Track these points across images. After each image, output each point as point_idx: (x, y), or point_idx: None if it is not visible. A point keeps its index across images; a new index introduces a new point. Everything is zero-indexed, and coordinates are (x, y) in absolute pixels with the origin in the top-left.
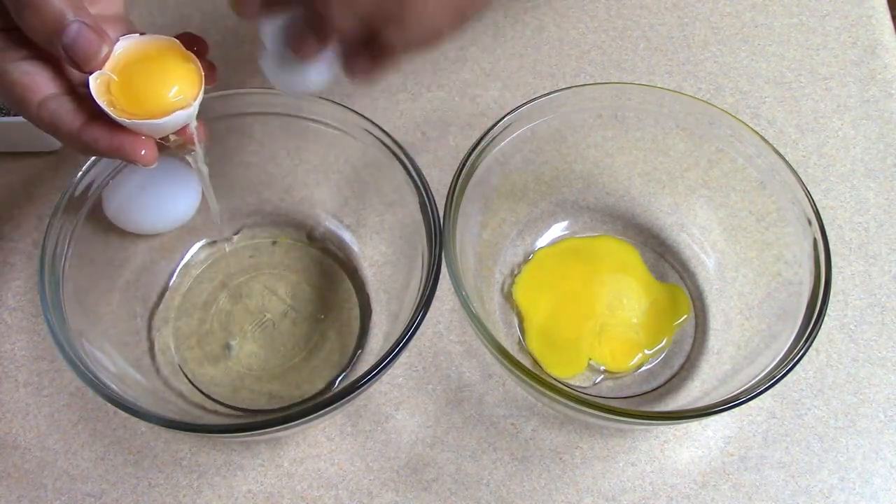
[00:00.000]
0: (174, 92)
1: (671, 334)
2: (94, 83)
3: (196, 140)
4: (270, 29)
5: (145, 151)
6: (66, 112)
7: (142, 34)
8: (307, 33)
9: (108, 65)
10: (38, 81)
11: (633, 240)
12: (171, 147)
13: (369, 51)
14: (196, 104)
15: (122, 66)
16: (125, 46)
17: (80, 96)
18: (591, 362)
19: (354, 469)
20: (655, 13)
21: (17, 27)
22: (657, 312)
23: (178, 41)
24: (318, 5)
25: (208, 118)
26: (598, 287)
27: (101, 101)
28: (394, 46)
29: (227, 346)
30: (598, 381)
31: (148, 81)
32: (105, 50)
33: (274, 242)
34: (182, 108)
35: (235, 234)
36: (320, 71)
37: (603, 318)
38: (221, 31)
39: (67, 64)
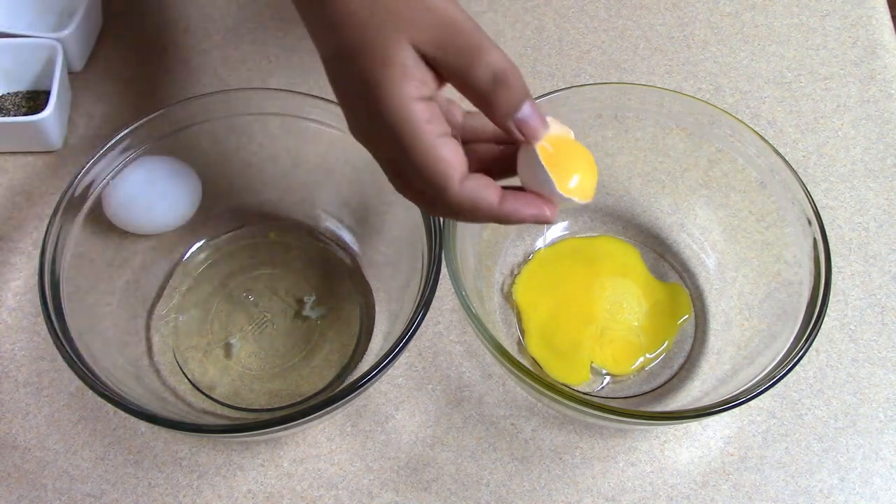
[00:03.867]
0: (583, 174)
1: (673, 335)
2: (537, 152)
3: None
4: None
5: (552, 213)
6: (484, 188)
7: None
8: None
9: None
10: (460, 159)
11: (633, 240)
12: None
13: None
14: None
15: (551, 141)
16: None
17: (487, 175)
18: (594, 366)
19: (354, 469)
20: (655, 13)
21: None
22: (659, 314)
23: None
24: None
25: (208, 118)
26: (599, 291)
27: (547, 169)
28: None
29: (227, 346)
30: (602, 386)
31: (576, 160)
32: (546, 126)
33: (274, 242)
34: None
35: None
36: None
37: (604, 322)
38: (221, 31)
39: (515, 135)
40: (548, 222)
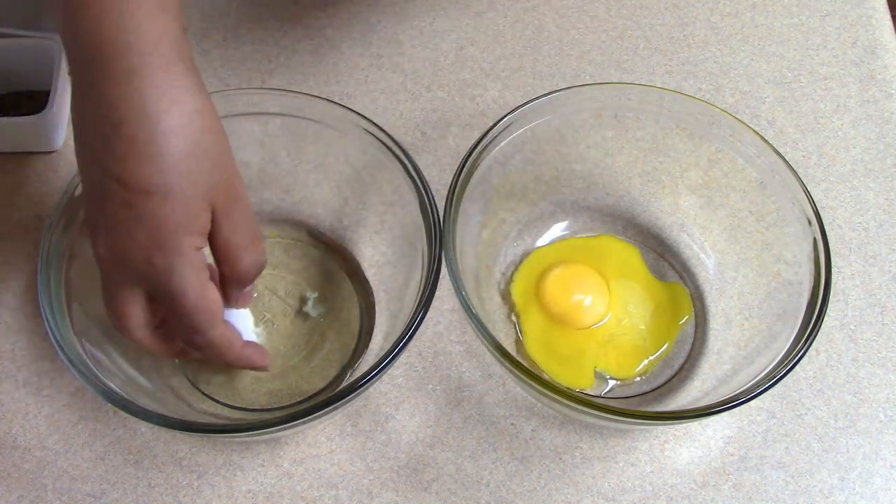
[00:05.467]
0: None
1: (675, 336)
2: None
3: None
4: None
5: (268, 364)
6: (234, 334)
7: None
8: None
9: None
10: (221, 307)
11: (633, 240)
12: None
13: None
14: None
15: None
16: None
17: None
18: (598, 370)
19: (354, 469)
20: (655, 13)
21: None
22: (661, 314)
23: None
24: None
25: None
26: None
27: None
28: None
29: None
30: (606, 389)
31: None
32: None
33: (274, 242)
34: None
35: None
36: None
37: (610, 327)
38: (221, 30)
39: (232, 300)
40: (266, 370)
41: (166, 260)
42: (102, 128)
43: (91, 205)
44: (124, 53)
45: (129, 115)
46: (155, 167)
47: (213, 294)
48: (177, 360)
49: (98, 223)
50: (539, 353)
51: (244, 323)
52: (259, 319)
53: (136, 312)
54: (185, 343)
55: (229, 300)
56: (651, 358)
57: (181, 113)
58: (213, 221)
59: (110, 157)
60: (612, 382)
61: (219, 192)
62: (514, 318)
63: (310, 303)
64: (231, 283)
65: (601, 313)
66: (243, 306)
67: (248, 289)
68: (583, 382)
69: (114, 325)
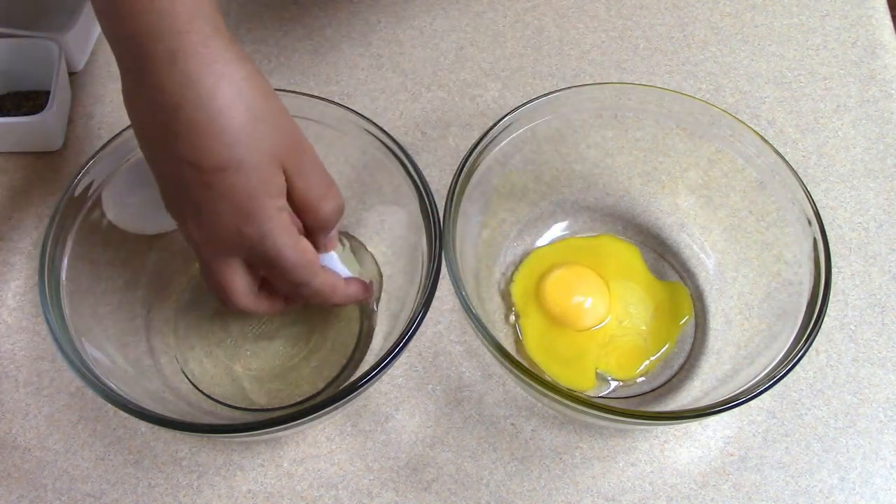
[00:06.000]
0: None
1: (675, 336)
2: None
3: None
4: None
5: (370, 293)
6: (336, 278)
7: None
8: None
9: None
10: (315, 254)
11: (633, 240)
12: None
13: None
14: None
15: None
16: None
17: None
18: (599, 371)
19: (354, 469)
20: (655, 13)
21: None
22: (661, 315)
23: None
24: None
25: None
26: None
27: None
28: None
29: (228, 346)
30: (608, 391)
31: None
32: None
33: None
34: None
35: None
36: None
37: (612, 329)
38: None
39: (322, 245)
40: (371, 300)
41: (256, 227)
42: (160, 115)
43: (171, 194)
44: (162, 36)
45: (182, 99)
46: (221, 143)
47: (308, 246)
48: (177, 360)
49: (183, 210)
50: (540, 355)
51: (336, 264)
52: (259, 319)
53: (239, 283)
54: (293, 296)
55: (318, 247)
56: (652, 358)
57: (230, 85)
58: (287, 179)
59: (176, 143)
60: (613, 384)
61: (285, 150)
62: (513, 319)
63: None
64: (316, 232)
65: (601, 315)
66: (332, 249)
67: (333, 233)
68: (585, 384)
69: (220, 301)
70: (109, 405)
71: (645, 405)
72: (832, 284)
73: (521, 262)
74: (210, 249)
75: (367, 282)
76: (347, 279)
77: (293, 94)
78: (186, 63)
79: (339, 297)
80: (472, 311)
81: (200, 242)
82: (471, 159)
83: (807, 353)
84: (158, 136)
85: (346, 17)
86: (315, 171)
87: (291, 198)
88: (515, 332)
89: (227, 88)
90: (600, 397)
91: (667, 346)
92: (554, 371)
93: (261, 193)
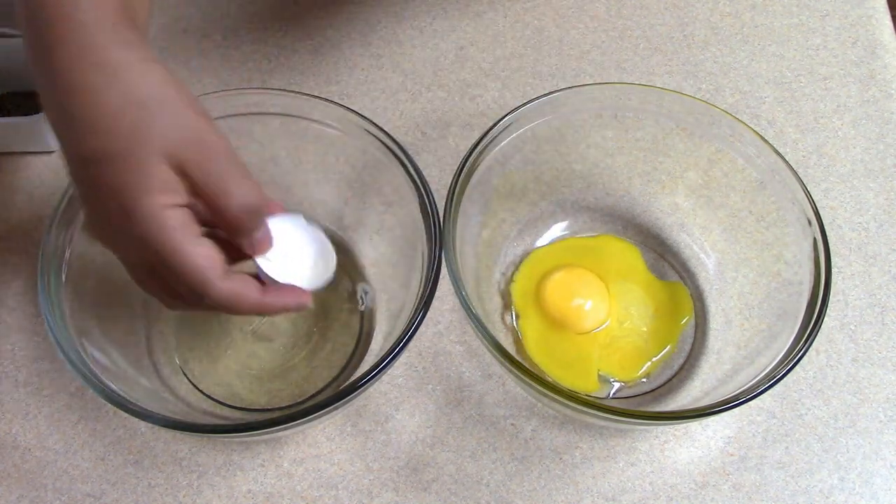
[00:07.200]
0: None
1: (676, 336)
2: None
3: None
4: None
5: (308, 299)
6: (244, 286)
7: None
8: None
9: None
10: (215, 260)
11: (633, 240)
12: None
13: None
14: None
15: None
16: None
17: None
18: (601, 373)
19: (354, 469)
20: (655, 13)
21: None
22: (662, 315)
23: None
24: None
25: None
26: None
27: (268, 274)
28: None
29: (228, 346)
30: (611, 392)
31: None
32: (271, 244)
33: None
34: (324, 279)
35: None
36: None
37: (611, 330)
38: (221, 30)
39: (246, 249)
40: (305, 307)
41: (138, 226)
42: (50, 110)
43: (76, 191)
44: (51, 22)
45: (65, 85)
46: (94, 132)
47: (204, 250)
48: (177, 360)
49: (84, 205)
50: (542, 358)
51: (266, 270)
52: (259, 319)
53: (154, 283)
54: (194, 307)
55: (249, 251)
56: (654, 359)
57: (115, 72)
58: (186, 175)
59: (63, 136)
60: (616, 385)
61: (179, 142)
62: (512, 319)
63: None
64: (230, 233)
65: (601, 318)
66: (260, 253)
67: (261, 234)
68: (588, 387)
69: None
70: (109, 405)
71: (645, 405)
72: (832, 284)
73: (521, 262)
74: (115, 250)
75: (297, 290)
76: (275, 287)
77: (293, 94)
78: (70, 48)
79: (248, 308)
80: (471, 311)
81: (103, 243)
82: (471, 159)
83: (807, 353)
84: (56, 129)
85: (347, 17)
86: (218, 167)
87: (198, 197)
88: (515, 333)
89: (106, 75)
90: (600, 397)
91: (668, 346)
92: (556, 374)
93: (140, 190)
